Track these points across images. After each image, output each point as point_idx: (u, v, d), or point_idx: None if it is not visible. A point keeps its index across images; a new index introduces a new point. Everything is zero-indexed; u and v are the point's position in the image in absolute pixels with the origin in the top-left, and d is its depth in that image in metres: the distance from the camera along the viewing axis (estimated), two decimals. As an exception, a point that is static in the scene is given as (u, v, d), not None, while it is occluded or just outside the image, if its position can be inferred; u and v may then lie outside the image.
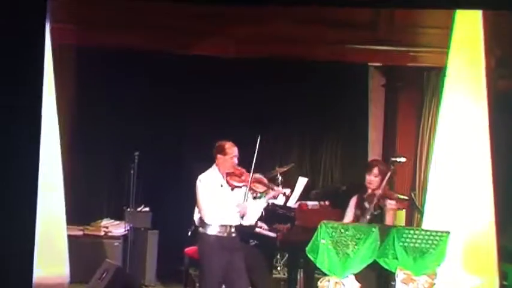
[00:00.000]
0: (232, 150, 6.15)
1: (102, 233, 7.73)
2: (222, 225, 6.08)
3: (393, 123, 8.47)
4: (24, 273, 4.89)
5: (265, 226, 6.93)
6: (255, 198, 6.29)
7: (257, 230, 6.87)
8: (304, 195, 7.28)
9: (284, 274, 7.97)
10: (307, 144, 9.02)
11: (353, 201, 6.46)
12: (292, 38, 7.42)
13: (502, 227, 6.45)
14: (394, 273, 5.99)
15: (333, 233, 5.85)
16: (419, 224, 6.97)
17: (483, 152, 6.45)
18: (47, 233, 6.21)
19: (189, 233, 6.84)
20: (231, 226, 6.12)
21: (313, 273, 6.61)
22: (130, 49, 7.56)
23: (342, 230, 5.86)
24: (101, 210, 8.36)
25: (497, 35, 6.81)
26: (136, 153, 7.54)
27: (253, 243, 7.11)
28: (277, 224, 6.86)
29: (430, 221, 6.46)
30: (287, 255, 7.71)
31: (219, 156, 6.16)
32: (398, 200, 6.34)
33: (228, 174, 6.14)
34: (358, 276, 5.93)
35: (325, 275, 5.95)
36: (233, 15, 7.14)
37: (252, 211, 6.22)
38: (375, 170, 6.33)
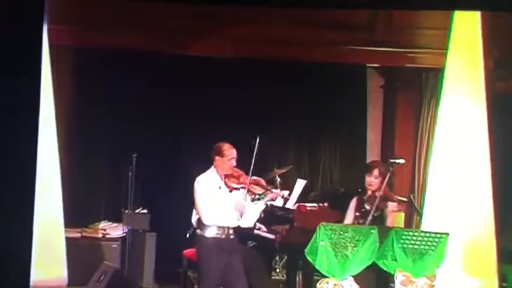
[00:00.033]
0: (230, 152, 6.14)
1: (100, 235, 7.71)
2: (220, 227, 6.08)
3: (392, 124, 8.46)
4: (22, 276, 4.86)
5: (263, 228, 6.92)
6: (253, 200, 6.27)
7: (256, 231, 6.86)
8: (303, 197, 7.27)
9: (283, 276, 7.95)
10: (305, 146, 9.01)
11: (353, 203, 6.45)
12: (290, 39, 7.41)
13: (501, 228, 6.44)
14: (393, 275, 5.98)
15: (332, 235, 5.83)
16: (418, 226, 6.96)
17: (482, 153, 6.44)
18: (45, 235, 6.18)
19: (188, 235, 6.82)
20: (229, 228, 6.11)
21: (312, 275, 6.60)
22: (127, 50, 7.55)
23: (341, 232, 5.85)
24: (99, 213, 8.33)
25: (495, 36, 6.80)
26: (134, 155, 7.52)
27: (252, 244, 7.09)
28: (276, 226, 6.84)
29: (429, 222, 6.45)
30: (286, 257, 7.69)
31: (217, 158, 6.15)
32: (399, 202, 6.34)
33: (226, 176, 6.14)
34: (357, 278, 5.92)
35: (324, 276, 5.93)
36: (230, 16, 7.14)
37: (250, 213, 6.21)
38: (375, 172, 6.33)
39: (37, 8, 4.97)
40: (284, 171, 7.61)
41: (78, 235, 7.69)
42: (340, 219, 6.41)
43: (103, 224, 7.88)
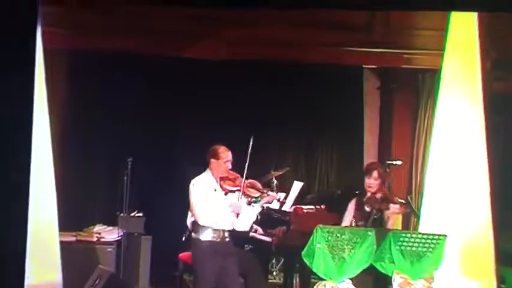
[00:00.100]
0: (225, 154, 6.12)
1: (95, 239, 7.65)
2: (215, 230, 6.06)
3: (389, 126, 8.45)
4: (16, 280, 4.81)
5: (260, 230, 6.89)
6: (249, 203, 6.25)
7: (252, 234, 6.84)
8: (300, 200, 7.25)
9: (280, 279, 7.94)
10: (302, 148, 8.99)
11: (352, 204, 6.44)
12: (286, 40, 7.41)
13: (499, 230, 6.42)
14: (390, 277, 5.97)
15: (329, 237, 5.82)
16: (416, 228, 6.93)
17: (479, 154, 6.43)
18: (39, 239, 6.12)
19: (184, 238, 6.78)
20: (224, 231, 6.09)
21: (309, 278, 6.58)
22: (123, 53, 7.52)
23: (338, 234, 5.84)
24: (94, 216, 8.28)
25: (492, 37, 6.80)
26: (130, 158, 7.48)
27: (248, 248, 7.07)
28: (272, 229, 6.81)
29: (426, 224, 6.43)
30: (283, 260, 7.68)
31: (212, 160, 6.14)
32: (400, 203, 6.32)
33: (221, 178, 6.13)
34: (355, 281, 5.92)
35: (321, 279, 5.93)
36: (228, 17, 7.14)
37: (246, 216, 6.19)
38: (375, 173, 6.33)
39: (31, 10, 4.93)
40: (281, 173, 7.59)
41: (73, 239, 7.63)
42: (337, 222, 6.40)
43: (98, 228, 7.83)
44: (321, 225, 5.86)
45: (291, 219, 6.70)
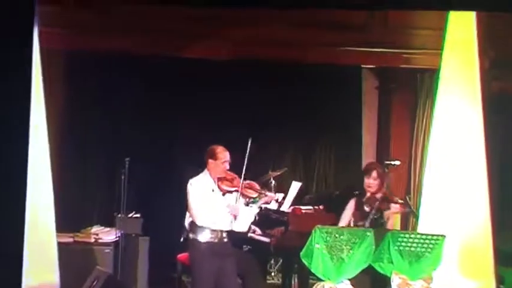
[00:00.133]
0: (223, 155, 6.11)
1: (93, 240, 7.63)
2: (213, 231, 6.05)
3: (387, 125, 8.44)
4: (13, 282, 4.81)
5: (258, 231, 6.88)
6: (247, 204, 6.24)
7: (250, 235, 6.83)
8: (298, 200, 7.23)
9: (278, 280, 7.92)
10: (300, 148, 8.98)
11: (351, 204, 6.43)
12: (285, 40, 7.40)
13: (498, 230, 6.41)
14: (389, 278, 5.96)
15: (328, 238, 5.81)
16: (414, 228, 6.93)
17: (478, 154, 6.43)
18: (37, 240, 6.10)
19: (182, 239, 6.77)
20: (222, 231, 6.08)
21: (307, 279, 6.57)
22: (123, 53, 7.51)
23: (337, 235, 5.84)
24: (91, 217, 8.27)
25: (491, 36, 6.79)
26: (127, 159, 7.46)
27: (247, 248, 7.05)
28: (271, 229, 6.80)
29: (425, 224, 6.42)
30: (281, 261, 7.66)
31: (210, 161, 6.13)
32: (400, 203, 6.32)
33: (219, 179, 6.11)
34: (353, 281, 5.91)
35: (319, 280, 5.92)
36: (227, 17, 7.12)
37: (244, 217, 6.17)
38: (374, 173, 6.33)
39: (27, 10, 4.92)
40: (279, 173, 7.58)
41: (71, 240, 7.61)
42: (336, 222, 6.40)
43: (95, 229, 7.80)
44: (319, 226, 5.85)
45: (289, 219, 6.69)
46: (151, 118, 8.40)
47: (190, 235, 6.12)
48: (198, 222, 6.03)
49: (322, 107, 8.65)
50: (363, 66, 8.36)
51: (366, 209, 6.28)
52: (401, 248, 5.86)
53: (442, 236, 5.92)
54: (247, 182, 6.17)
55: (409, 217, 7.55)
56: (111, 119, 8.28)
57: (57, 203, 6.68)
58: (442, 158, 6.50)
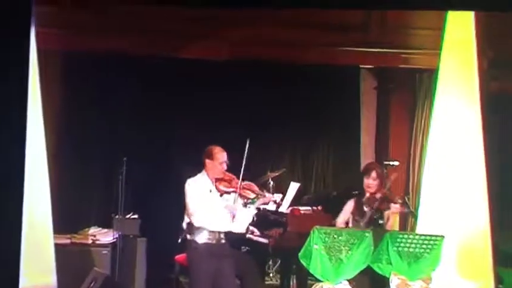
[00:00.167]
0: (221, 155, 6.09)
1: (90, 241, 7.61)
2: (211, 232, 6.03)
3: (385, 126, 8.44)
4: (10, 283, 4.77)
5: (256, 232, 6.86)
6: (245, 205, 6.22)
7: (249, 235, 6.81)
8: (297, 201, 7.22)
9: (277, 281, 7.91)
10: (298, 148, 8.97)
11: (350, 204, 6.41)
12: (282, 40, 7.40)
13: (497, 230, 6.41)
14: (388, 279, 5.95)
15: (326, 238, 5.80)
16: (413, 228, 6.93)
17: (476, 154, 6.43)
18: (34, 241, 6.09)
19: (180, 240, 6.74)
20: (219, 232, 6.06)
21: (306, 279, 6.55)
22: (120, 53, 7.49)
23: (335, 235, 5.83)
24: (89, 218, 8.25)
25: (489, 36, 6.79)
26: (125, 158, 7.44)
27: (245, 249, 7.03)
28: (269, 230, 6.78)
29: (424, 224, 6.41)
30: (279, 261, 7.65)
31: (207, 161, 6.11)
32: (400, 203, 6.31)
33: (217, 179, 6.09)
34: (352, 282, 5.90)
35: (318, 280, 5.92)
36: (224, 18, 7.12)
37: (242, 218, 6.15)
38: (373, 174, 6.32)
39: (24, 10, 4.90)
40: (277, 174, 7.57)
41: (68, 241, 7.59)
42: (334, 223, 6.36)
43: (93, 230, 7.78)
44: (317, 227, 5.84)
45: (287, 220, 6.68)
46: (149, 118, 8.38)
47: (188, 236, 6.10)
48: (196, 223, 6.01)
49: (321, 107, 8.64)
50: (361, 66, 8.36)
51: (366, 209, 6.27)
52: (400, 248, 5.85)
53: (440, 236, 5.90)
54: (245, 182, 6.15)
55: (408, 217, 7.55)
56: (109, 120, 8.26)
57: (54, 204, 6.67)
58: (441, 158, 6.50)
